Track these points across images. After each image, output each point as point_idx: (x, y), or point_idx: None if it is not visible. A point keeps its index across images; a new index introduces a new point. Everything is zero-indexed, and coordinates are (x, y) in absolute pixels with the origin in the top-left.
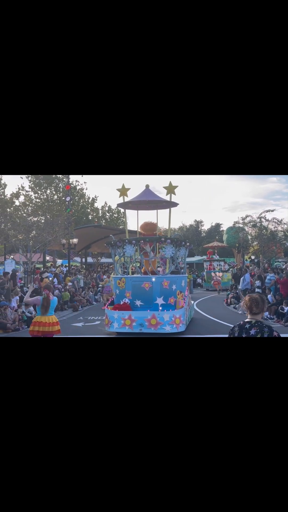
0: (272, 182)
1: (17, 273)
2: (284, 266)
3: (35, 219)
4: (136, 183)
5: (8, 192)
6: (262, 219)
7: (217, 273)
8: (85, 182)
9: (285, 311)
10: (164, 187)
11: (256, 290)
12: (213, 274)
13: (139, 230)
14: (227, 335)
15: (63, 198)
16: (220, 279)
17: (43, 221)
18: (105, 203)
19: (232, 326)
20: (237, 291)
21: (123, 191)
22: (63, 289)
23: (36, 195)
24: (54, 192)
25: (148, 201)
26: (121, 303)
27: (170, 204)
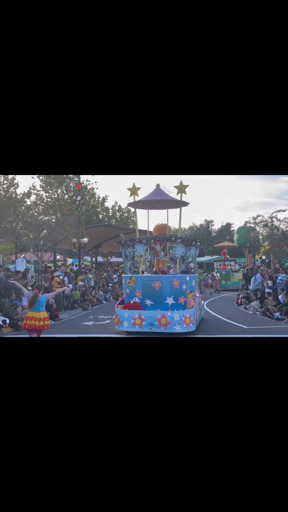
0: (283, 182)
1: (27, 274)
2: None
3: (46, 218)
4: (146, 183)
5: (20, 191)
6: (274, 219)
7: (216, 274)
8: (95, 182)
9: None
10: (175, 186)
11: (267, 290)
12: (215, 274)
13: (152, 232)
14: (237, 336)
15: (74, 197)
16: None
17: (54, 220)
18: (116, 202)
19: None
20: (247, 291)
21: (133, 190)
22: (73, 288)
23: (47, 194)
24: (65, 192)
25: (158, 200)
26: (131, 302)
27: (181, 204)
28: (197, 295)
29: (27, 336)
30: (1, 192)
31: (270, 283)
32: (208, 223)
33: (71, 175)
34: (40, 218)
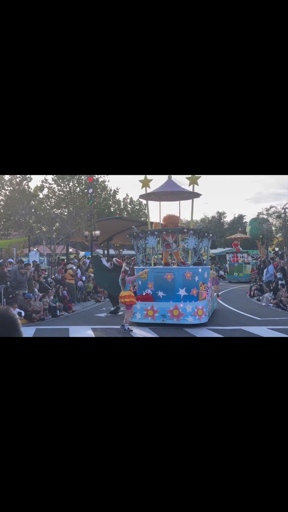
0: None
1: (39, 266)
2: None
3: (58, 211)
4: (158, 175)
5: (33, 185)
6: (287, 210)
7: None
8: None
9: None
10: (187, 178)
11: (280, 282)
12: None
13: (161, 222)
14: (248, 327)
15: (86, 190)
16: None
17: (66, 213)
18: (127, 195)
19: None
20: (261, 283)
21: (145, 182)
22: (86, 281)
23: (59, 187)
24: (76, 185)
25: (170, 192)
26: (144, 294)
27: (193, 195)
28: (210, 286)
29: (32, 336)
30: (15, 185)
31: (280, 274)
32: (220, 215)
33: None
34: (52, 211)
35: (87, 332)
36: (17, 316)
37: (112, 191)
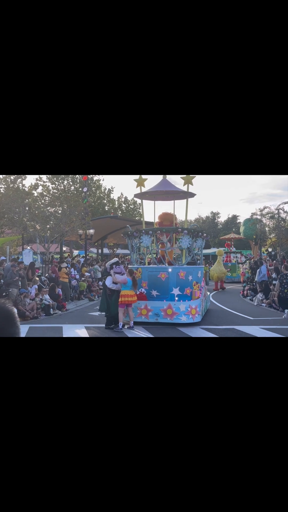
0: None
1: (33, 263)
2: None
3: (53, 209)
4: (153, 174)
5: (27, 183)
6: (280, 211)
7: None
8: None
9: None
10: (182, 177)
11: (274, 282)
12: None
13: (157, 220)
14: (241, 326)
15: (80, 189)
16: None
17: (60, 211)
18: (121, 194)
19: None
20: (254, 283)
21: (140, 181)
22: (79, 279)
23: (54, 185)
24: (71, 183)
25: (165, 191)
26: (137, 293)
27: (187, 195)
28: (203, 286)
29: (25, 334)
30: (9, 183)
31: (274, 275)
32: (215, 215)
33: None
34: (46, 209)
35: (80, 330)
36: (15, 311)
37: (107, 190)
